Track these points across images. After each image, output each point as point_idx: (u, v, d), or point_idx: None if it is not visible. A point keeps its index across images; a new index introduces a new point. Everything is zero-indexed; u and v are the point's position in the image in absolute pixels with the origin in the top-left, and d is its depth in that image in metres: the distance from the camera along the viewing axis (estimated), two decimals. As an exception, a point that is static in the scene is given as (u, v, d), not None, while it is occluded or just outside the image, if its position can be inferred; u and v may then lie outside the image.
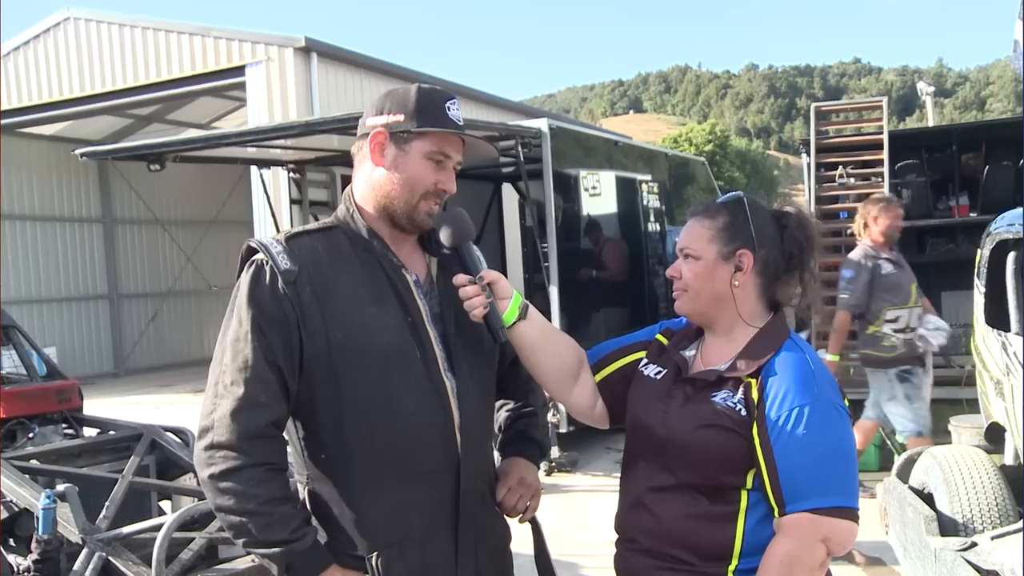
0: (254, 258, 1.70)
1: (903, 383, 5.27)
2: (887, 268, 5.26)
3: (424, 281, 1.80)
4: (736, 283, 1.74)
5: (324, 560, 1.65)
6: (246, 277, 1.68)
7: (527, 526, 1.96)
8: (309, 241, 1.73)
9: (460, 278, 1.76)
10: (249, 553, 1.68)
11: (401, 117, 1.72)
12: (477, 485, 1.78)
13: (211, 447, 1.61)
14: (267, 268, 1.66)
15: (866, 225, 5.28)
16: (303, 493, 1.74)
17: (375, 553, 1.66)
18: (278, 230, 7.46)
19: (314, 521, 1.71)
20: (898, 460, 4.69)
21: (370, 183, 1.77)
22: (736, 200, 1.80)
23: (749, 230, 1.75)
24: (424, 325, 1.73)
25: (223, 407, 1.61)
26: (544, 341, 1.86)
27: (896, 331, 5.25)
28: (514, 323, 1.79)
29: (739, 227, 1.75)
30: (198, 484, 1.68)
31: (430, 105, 1.73)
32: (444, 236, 1.79)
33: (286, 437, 1.74)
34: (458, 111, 1.76)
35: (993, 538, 3.31)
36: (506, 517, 1.90)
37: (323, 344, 1.65)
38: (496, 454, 1.98)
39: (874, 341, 5.31)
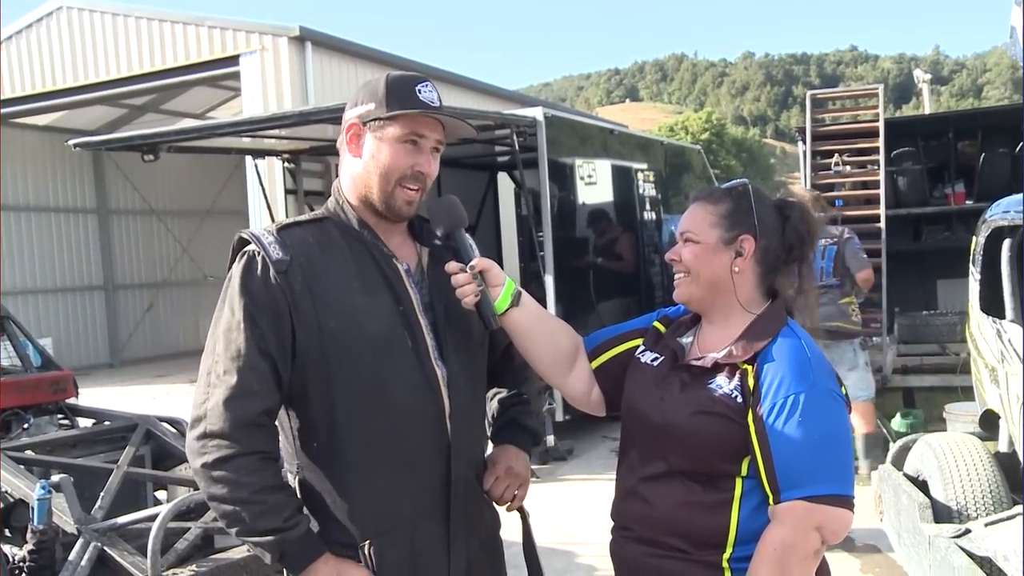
0: (246, 249, 1.70)
1: (864, 351, 5.66)
2: None
3: (415, 270, 1.79)
4: (736, 268, 1.73)
5: (317, 549, 1.64)
6: (238, 267, 1.67)
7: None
8: (300, 232, 1.73)
9: (452, 266, 1.75)
10: (244, 542, 1.67)
11: (372, 105, 1.72)
12: (467, 473, 1.78)
13: (204, 436, 1.60)
14: (259, 258, 1.66)
15: None
16: (293, 483, 1.73)
17: (367, 541, 1.66)
18: (273, 220, 7.44)
19: (305, 510, 1.70)
20: (893, 447, 4.71)
21: (350, 175, 1.77)
22: (741, 187, 1.79)
23: (752, 218, 1.74)
24: (415, 314, 1.73)
25: (216, 396, 1.60)
26: (538, 328, 1.85)
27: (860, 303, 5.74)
28: (506, 311, 1.79)
29: (742, 214, 1.74)
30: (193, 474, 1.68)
31: (399, 89, 1.72)
32: (437, 223, 1.78)
33: (279, 427, 1.74)
34: (431, 93, 1.74)
35: (987, 525, 3.32)
36: (495, 505, 1.90)
37: (315, 333, 1.64)
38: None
39: (843, 313, 5.55)
